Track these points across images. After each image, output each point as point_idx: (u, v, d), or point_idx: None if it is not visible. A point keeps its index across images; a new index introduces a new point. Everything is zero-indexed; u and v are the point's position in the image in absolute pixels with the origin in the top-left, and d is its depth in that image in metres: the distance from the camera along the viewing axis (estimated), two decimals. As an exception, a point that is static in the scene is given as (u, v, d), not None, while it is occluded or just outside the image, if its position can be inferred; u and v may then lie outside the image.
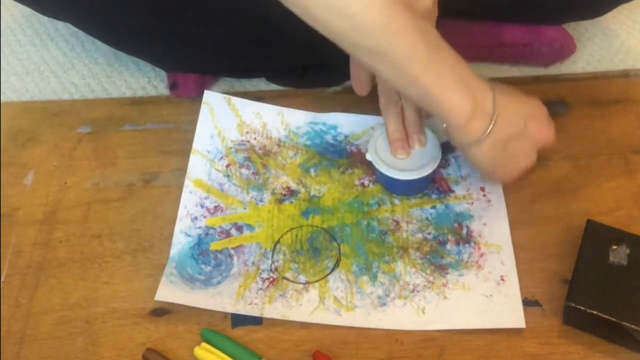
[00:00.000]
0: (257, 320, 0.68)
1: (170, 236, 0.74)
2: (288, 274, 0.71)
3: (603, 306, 0.62)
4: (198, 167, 0.79)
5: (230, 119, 0.83)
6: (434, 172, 0.74)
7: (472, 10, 0.87)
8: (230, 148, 0.81)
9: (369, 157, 0.74)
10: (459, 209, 0.75)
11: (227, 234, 0.74)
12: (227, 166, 0.80)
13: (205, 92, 0.85)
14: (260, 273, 0.71)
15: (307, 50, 0.77)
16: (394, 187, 0.76)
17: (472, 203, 0.75)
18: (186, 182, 0.78)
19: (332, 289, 0.69)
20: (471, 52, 0.91)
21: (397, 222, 0.74)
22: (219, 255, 0.72)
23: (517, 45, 0.89)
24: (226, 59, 0.87)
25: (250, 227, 0.75)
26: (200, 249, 0.73)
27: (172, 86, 0.90)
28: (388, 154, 0.74)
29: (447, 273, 0.70)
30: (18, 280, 0.72)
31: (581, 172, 0.78)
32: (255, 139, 0.82)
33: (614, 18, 0.98)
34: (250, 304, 0.68)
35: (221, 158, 0.80)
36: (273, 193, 0.77)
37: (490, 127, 0.64)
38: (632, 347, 0.64)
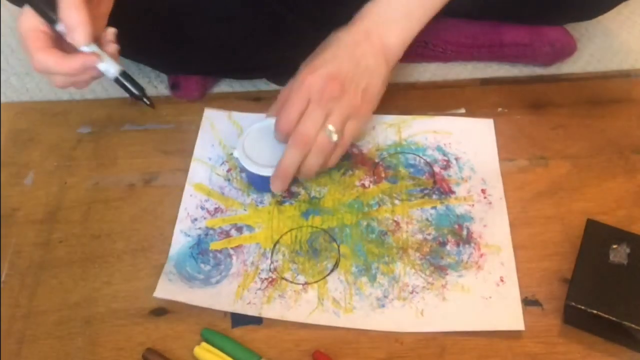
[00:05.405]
0: (257, 320, 0.68)
1: (170, 236, 0.74)
2: (287, 275, 0.71)
3: (603, 305, 0.62)
4: (199, 172, 0.79)
5: (230, 130, 0.83)
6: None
7: (473, 10, 0.87)
8: (231, 154, 0.81)
9: (235, 154, 0.75)
10: (459, 211, 0.75)
11: (227, 235, 0.74)
12: (228, 171, 0.80)
13: (205, 109, 0.85)
14: (259, 273, 0.71)
15: (310, 52, 0.76)
16: (258, 184, 0.76)
17: (473, 205, 0.75)
18: (187, 187, 0.78)
19: (331, 290, 0.69)
20: (471, 51, 0.92)
21: (397, 223, 0.74)
22: (219, 255, 0.72)
23: (518, 45, 0.89)
24: (227, 61, 0.87)
25: (250, 228, 0.75)
26: (199, 249, 0.73)
27: (173, 86, 0.90)
28: (255, 152, 0.74)
29: (447, 274, 0.70)
30: (18, 280, 0.72)
31: (581, 172, 0.78)
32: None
33: (614, 18, 0.97)
34: (249, 303, 0.68)
35: (222, 163, 0.80)
36: (273, 195, 0.77)
37: None
38: (633, 347, 0.64)
